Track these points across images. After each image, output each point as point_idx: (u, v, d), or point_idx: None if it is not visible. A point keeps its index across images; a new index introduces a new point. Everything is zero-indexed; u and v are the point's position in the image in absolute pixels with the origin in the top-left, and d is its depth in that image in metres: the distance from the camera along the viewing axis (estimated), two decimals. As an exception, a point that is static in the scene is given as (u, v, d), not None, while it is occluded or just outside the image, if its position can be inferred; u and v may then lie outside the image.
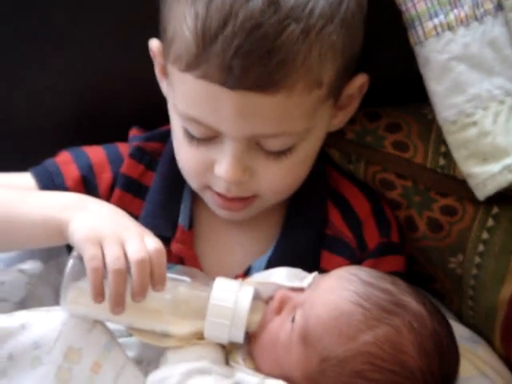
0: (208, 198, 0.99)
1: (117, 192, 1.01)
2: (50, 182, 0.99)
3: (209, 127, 0.91)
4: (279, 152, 0.93)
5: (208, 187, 0.97)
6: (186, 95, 0.91)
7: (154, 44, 0.99)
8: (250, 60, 0.85)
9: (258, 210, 0.99)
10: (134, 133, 1.05)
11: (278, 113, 0.89)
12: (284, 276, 0.91)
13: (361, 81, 0.98)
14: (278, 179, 0.95)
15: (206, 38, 0.86)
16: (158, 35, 0.97)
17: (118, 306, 0.82)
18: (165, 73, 0.98)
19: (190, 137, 0.94)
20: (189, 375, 0.83)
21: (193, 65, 0.88)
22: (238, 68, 0.85)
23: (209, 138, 0.93)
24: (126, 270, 0.82)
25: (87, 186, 1.00)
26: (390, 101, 1.07)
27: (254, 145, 0.92)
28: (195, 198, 1.02)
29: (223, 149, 0.92)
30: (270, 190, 0.96)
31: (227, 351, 0.88)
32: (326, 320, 0.83)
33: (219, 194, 0.96)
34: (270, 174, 0.94)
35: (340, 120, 1.00)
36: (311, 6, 0.86)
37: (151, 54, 0.99)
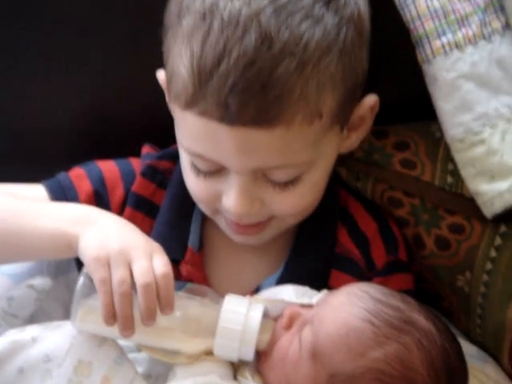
0: (221, 222, 0.99)
1: (128, 210, 1.01)
2: (63, 196, 0.99)
3: (213, 162, 0.91)
4: (286, 182, 0.92)
5: (220, 212, 0.97)
6: (188, 132, 0.91)
7: (161, 75, 0.98)
8: (246, 97, 0.85)
9: (276, 232, 0.99)
10: (147, 150, 1.05)
11: (278, 146, 0.88)
12: (292, 293, 0.91)
13: (370, 102, 0.97)
14: (290, 206, 0.94)
15: (201, 76, 0.86)
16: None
17: (127, 328, 0.82)
18: None
19: (197, 170, 0.94)
20: (197, 389, 0.84)
21: (191, 103, 0.88)
22: (234, 105, 0.85)
23: (215, 171, 0.93)
24: (131, 293, 0.82)
25: (99, 201, 1.00)
26: (398, 119, 1.08)
27: (261, 176, 0.92)
28: (205, 218, 1.02)
29: (229, 181, 0.92)
30: (284, 214, 0.96)
31: (236, 366, 0.88)
32: (336, 336, 0.83)
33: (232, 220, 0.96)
34: (281, 203, 0.94)
35: (353, 141, 1.00)
36: (306, 39, 0.86)
37: (161, 84, 0.99)
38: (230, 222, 0.97)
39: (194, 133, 0.90)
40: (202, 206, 0.99)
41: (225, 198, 0.93)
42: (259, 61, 0.84)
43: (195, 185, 0.96)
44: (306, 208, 0.97)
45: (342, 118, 0.93)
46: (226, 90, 0.85)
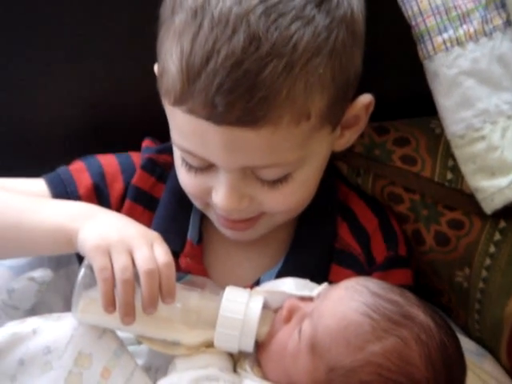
0: (212, 216, 0.99)
1: (127, 203, 1.01)
2: (63, 189, 1.00)
3: (202, 159, 0.92)
4: (275, 181, 0.93)
5: (211, 206, 0.97)
6: (178, 128, 0.92)
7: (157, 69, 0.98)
8: (232, 97, 0.85)
9: (266, 228, 0.99)
10: (147, 144, 1.06)
11: (265, 146, 0.88)
12: (292, 285, 0.92)
13: (364, 102, 0.97)
14: (280, 204, 0.95)
15: (189, 75, 0.86)
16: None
17: (128, 315, 0.82)
18: None
19: (188, 165, 0.95)
20: (197, 382, 0.84)
21: (179, 100, 0.88)
22: (220, 105, 0.85)
23: (205, 167, 0.93)
24: (134, 280, 0.82)
25: (99, 194, 1.01)
26: (399, 115, 1.08)
27: (250, 173, 0.92)
28: None
29: (219, 178, 0.92)
30: (273, 212, 0.96)
31: (235, 359, 0.89)
32: (335, 330, 0.83)
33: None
34: (270, 200, 0.94)
35: (347, 139, 1.00)
36: (295, 40, 0.85)
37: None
38: (219, 217, 0.97)
39: (183, 129, 0.91)
40: (194, 200, 0.99)
41: (214, 194, 0.94)
42: (247, 62, 0.84)
43: (186, 179, 0.96)
44: (296, 206, 0.97)
45: (333, 118, 0.93)
46: (213, 89, 0.85)
